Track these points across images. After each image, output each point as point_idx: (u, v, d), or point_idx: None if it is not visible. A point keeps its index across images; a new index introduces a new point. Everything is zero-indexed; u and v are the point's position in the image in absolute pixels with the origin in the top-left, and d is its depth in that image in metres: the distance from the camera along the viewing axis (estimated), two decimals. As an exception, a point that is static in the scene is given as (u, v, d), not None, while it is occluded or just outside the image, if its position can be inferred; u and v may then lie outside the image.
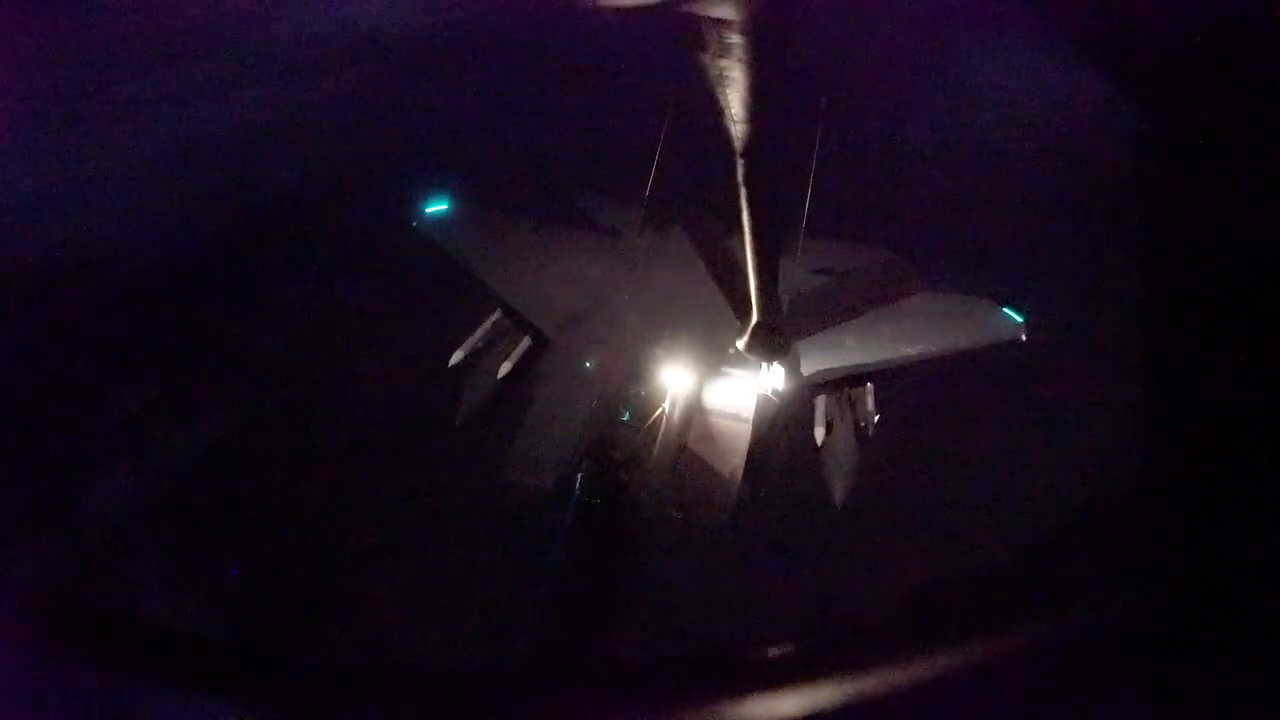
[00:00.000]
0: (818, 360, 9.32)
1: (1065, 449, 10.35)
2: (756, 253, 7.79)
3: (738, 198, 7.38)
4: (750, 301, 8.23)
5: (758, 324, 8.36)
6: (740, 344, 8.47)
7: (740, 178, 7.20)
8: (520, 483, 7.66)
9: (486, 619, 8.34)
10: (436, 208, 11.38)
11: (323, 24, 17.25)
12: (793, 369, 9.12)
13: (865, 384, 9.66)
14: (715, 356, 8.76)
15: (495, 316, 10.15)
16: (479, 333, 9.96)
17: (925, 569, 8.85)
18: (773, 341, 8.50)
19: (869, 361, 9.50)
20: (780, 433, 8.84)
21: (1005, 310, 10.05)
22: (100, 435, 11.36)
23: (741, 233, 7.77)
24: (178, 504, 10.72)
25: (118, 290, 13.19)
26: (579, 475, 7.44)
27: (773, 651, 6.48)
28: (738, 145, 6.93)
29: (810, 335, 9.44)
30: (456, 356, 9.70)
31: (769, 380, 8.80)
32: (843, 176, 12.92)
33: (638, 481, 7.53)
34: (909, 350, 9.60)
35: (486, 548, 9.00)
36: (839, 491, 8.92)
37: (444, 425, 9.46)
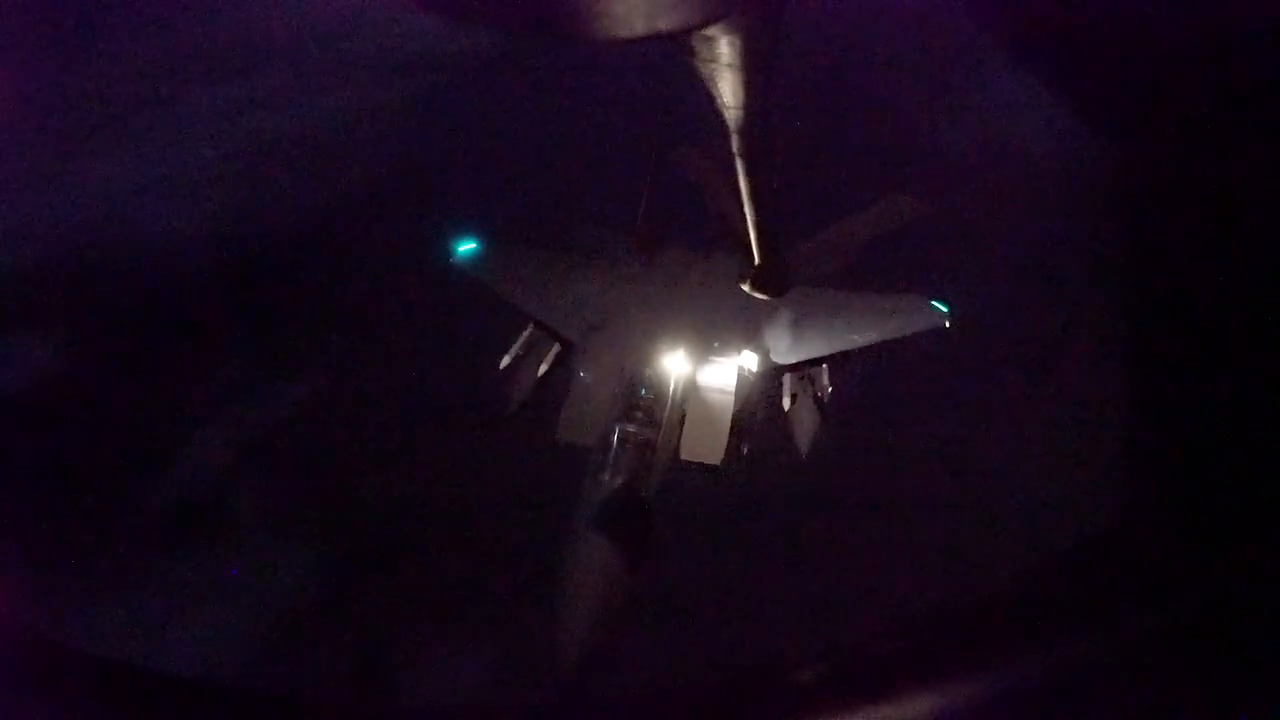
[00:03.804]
0: (782, 349, 12.27)
1: (1065, 454, 11.73)
2: (755, 209, 9.57)
3: (735, 168, 8.72)
4: (752, 251, 10.55)
5: (759, 267, 10.90)
6: (745, 286, 11.12)
7: (736, 150, 8.45)
8: (569, 442, 10.65)
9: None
10: (468, 247, 13.94)
11: (381, 39, 18.50)
12: (764, 355, 12.06)
13: (821, 365, 12.49)
14: (704, 348, 11.69)
15: (530, 329, 12.89)
16: (519, 342, 12.72)
17: (923, 579, 10.71)
18: (772, 281, 11.12)
19: (822, 349, 12.43)
20: (756, 402, 11.79)
21: (933, 303, 12.53)
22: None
23: (739, 196, 9.40)
24: (225, 499, 12.84)
25: (172, 290, 14.72)
26: (614, 433, 10.38)
27: (779, 678, 6.91)
28: (731, 126, 7.97)
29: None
30: (504, 361, 12.52)
31: (746, 364, 11.76)
32: (840, 176, 14.92)
33: (655, 438, 10.49)
34: (853, 339, 12.50)
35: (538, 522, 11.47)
36: (803, 446, 11.82)
37: (498, 413, 12.33)
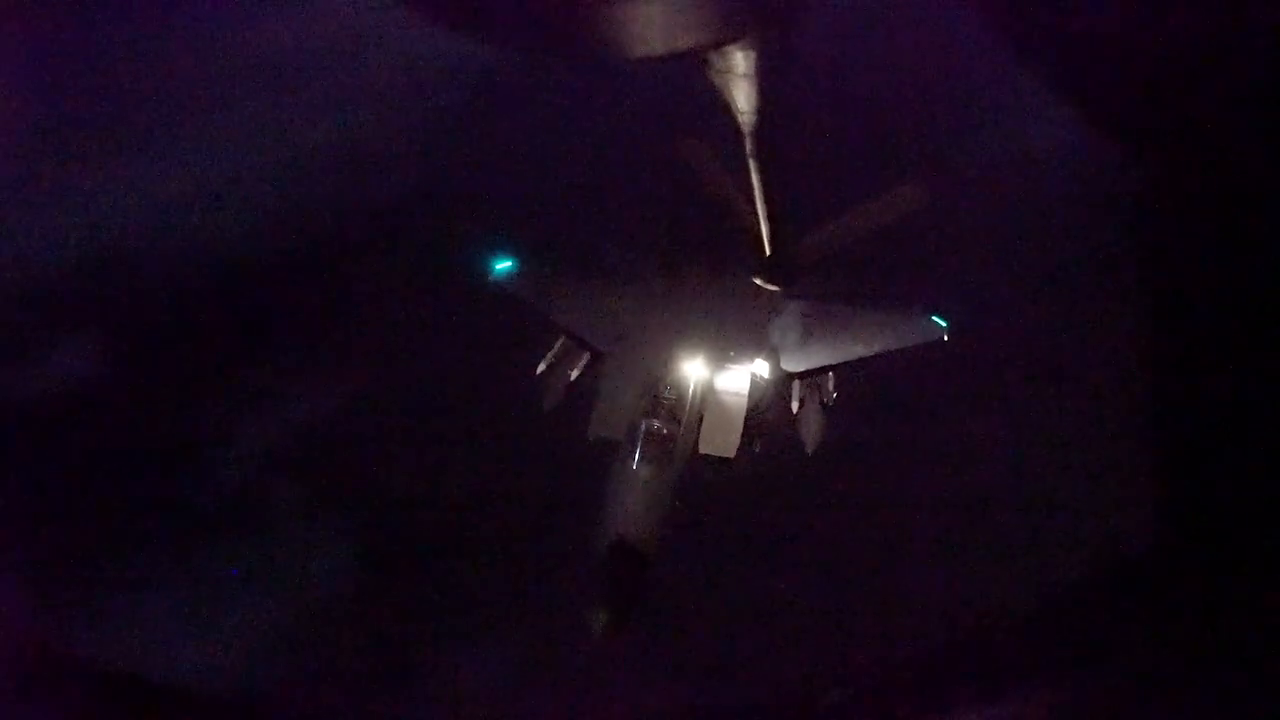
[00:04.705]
0: (792, 357, 13.54)
1: (1067, 457, 12.42)
2: (766, 206, 10.83)
3: (748, 168, 10.14)
4: (762, 244, 11.82)
5: (768, 258, 12.21)
6: (757, 280, 12.52)
7: (749, 151, 9.79)
8: (601, 437, 11.98)
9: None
10: (504, 265, 14.73)
11: (412, 56, 18.38)
12: (775, 363, 13.33)
13: (827, 373, 13.72)
14: (720, 356, 12.97)
15: (562, 340, 14.08)
16: (552, 351, 13.98)
17: (923, 584, 11.56)
18: (781, 273, 12.43)
19: (828, 358, 13.66)
20: (767, 405, 13.06)
21: (933, 317, 13.68)
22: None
23: (751, 192, 10.73)
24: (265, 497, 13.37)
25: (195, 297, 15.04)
26: (640, 429, 11.76)
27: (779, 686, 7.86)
28: (745, 130, 9.21)
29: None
30: (540, 367, 13.81)
31: (758, 370, 13.05)
32: (848, 172, 15.03)
33: (676, 433, 11.87)
34: (857, 350, 13.73)
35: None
36: (810, 445, 13.08)
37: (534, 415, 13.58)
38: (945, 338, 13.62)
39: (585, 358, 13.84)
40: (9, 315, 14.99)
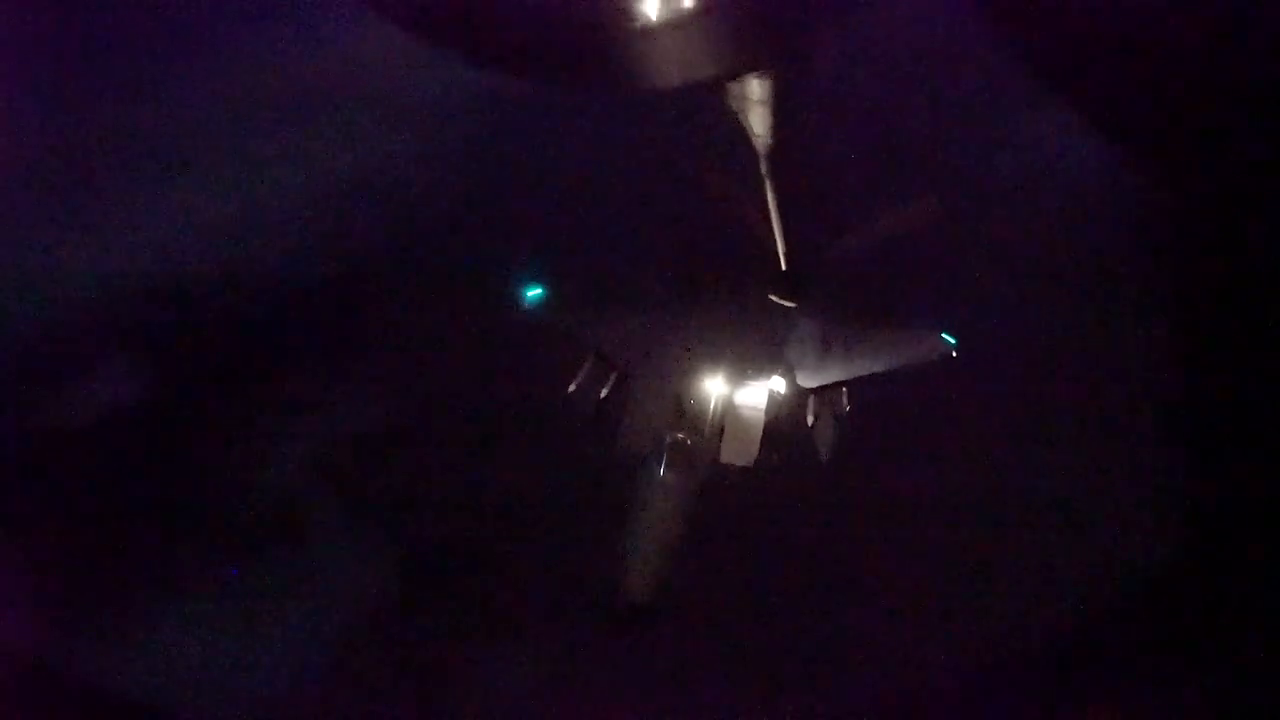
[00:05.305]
0: (807, 373, 14.39)
1: (1072, 468, 12.87)
2: (782, 223, 11.69)
3: (764, 188, 10.94)
4: (778, 260, 12.69)
5: (784, 274, 13.09)
6: (772, 296, 13.44)
7: (764, 173, 10.61)
8: (629, 448, 12.90)
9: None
10: (535, 291, 15.50)
11: (437, 86, 18.79)
12: (791, 379, 14.20)
13: (841, 389, 14.52)
14: (739, 372, 13.85)
15: (591, 360, 14.95)
16: (583, 370, 14.89)
17: (926, 595, 12.25)
18: (794, 288, 13.29)
19: (841, 374, 14.47)
20: (784, 419, 13.89)
21: (942, 335, 14.41)
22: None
23: (767, 210, 11.56)
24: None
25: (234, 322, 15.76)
26: (665, 442, 12.72)
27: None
28: (760, 151, 10.00)
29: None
30: (572, 385, 14.75)
31: (775, 386, 13.92)
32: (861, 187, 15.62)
33: (699, 444, 12.80)
34: (869, 367, 14.53)
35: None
36: (824, 458, 13.92)
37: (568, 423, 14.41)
38: (954, 354, 14.33)
39: (613, 376, 14.74)
40: (51, 337, 15.56)
